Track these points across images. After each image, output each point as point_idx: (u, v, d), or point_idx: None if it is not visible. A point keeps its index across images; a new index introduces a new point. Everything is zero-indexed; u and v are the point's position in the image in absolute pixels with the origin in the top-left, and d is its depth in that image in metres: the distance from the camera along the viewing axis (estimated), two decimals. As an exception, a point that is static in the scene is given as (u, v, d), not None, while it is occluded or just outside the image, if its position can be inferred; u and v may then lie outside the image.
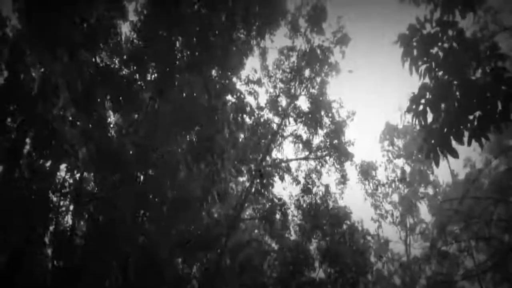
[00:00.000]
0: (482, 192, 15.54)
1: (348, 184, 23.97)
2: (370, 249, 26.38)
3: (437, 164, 9.82)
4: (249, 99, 15.90)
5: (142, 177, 14.00)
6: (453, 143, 9.51)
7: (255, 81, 14.36)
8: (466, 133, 9.17)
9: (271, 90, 22.04)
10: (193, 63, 12.91)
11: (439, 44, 8.72)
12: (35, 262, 13.29)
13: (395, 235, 40.39)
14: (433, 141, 9.36)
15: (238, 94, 13.81)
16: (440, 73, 9.16)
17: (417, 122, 10.07)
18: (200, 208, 14.36)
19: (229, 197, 16.94)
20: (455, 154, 9.44)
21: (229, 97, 13.92)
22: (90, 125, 11.76)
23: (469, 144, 8.99)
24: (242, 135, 16.90)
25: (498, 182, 15.16)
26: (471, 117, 9.00)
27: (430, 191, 39.04)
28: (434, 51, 8.88)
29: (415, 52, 8.95)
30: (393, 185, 39.70)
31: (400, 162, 40.34)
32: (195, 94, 12.85)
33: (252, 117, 14.20)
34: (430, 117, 9.96)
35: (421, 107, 9.38)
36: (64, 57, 10.77)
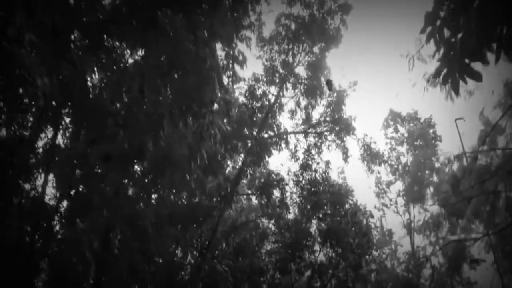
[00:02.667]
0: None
1: (350, 171, 22.77)
2: (373, 241, 24.96)
3: (456, 92, 8.46)
4: (241, 46, 14.58)
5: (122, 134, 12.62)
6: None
7: (247, 26, 13.12)
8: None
9: (268, 56, 20.84)
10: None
11: None
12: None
13: (398, 226, 38.94)
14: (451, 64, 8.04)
15: (230, 41, 12.47)
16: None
17: (433, 41, 8.70)
18: (188, 170, 13.01)
19: (218, 163, 15.60)
20: (477, 77, 8.08)
21: (219, 45, 12.62)
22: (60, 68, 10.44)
23: (497, 59, 7.62)
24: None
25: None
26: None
27: (435, 178, 37.62)
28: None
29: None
30: (397, 173, 38.57)
31: (403, 149, 39.25)
32: (180, 39, 11.55)
33: (245, 66, 12.79)
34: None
35: (438, 23, 8.08)
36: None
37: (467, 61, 7.87)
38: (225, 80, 12.91)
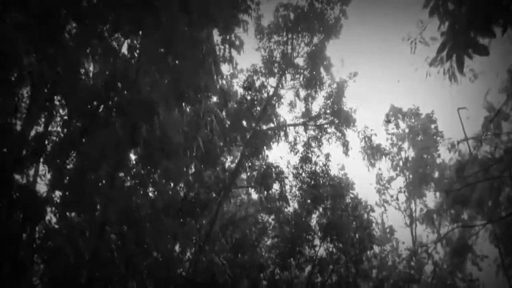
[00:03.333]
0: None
1: (350, 169, 22.40)
2: (375, 235, 24.54)
3: (461, 68, 8.11)
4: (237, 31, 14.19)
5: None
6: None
7: (244, 9, 12.71)
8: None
9: (267, 47, 20.51)
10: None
11: None
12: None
13: (400, 222, 38.60)
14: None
15: (226, 27, 12.08)
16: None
17: (437, 15, 8.35)
18: (185, 159, 12.66)
19: (216, 152, 15.22)
20: (483, 51, 7.69)
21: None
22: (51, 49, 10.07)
23: (504, 31, 7.27)
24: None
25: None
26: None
27: (436, 174, 37.30)
28: None
29: None
30: (398, 169, 38.29)
31: (405, 145, 38.99)
32: (175, 22, 11.18)
33: (242, 52, 12.43)
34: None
35: (442, -4, 7.78)
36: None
37: (472, 34, 7.51)
38: (223, 66, 12.53)
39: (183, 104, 11.81)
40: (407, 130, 39.08)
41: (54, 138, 12.67)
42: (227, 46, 12.27)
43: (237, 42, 12.39)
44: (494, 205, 12.43)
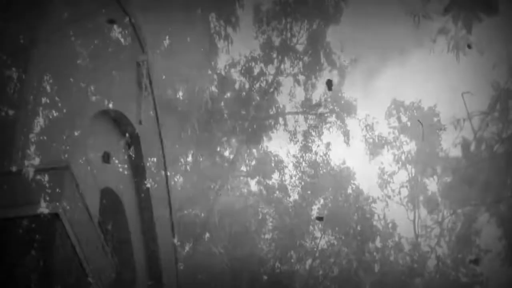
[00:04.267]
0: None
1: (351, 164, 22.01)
2: (377, 226, 24.06)
3: (469, 29, 7.59)
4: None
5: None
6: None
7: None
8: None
9: (265, 34, 20.04)
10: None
11: None
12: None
13: (402, 218, 38.09)
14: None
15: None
16: None
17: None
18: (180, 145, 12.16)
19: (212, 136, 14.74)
20: (492, 11, 7.19)
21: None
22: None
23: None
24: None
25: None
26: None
27: (439, 168, 36.82)
28: None
29: None
30: (400, 162, 37.88)
31: (407, 139, 38.58)
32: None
33: (238, 29, 11.91)
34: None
35: None
36: None
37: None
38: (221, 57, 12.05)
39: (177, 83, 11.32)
40: (409, 124, 38.64)
41: (42, 120, 12.17)
42: (222, 22, 11.79)
43: (233, 19, 11.88)
44: (501, 187, 12.00)
